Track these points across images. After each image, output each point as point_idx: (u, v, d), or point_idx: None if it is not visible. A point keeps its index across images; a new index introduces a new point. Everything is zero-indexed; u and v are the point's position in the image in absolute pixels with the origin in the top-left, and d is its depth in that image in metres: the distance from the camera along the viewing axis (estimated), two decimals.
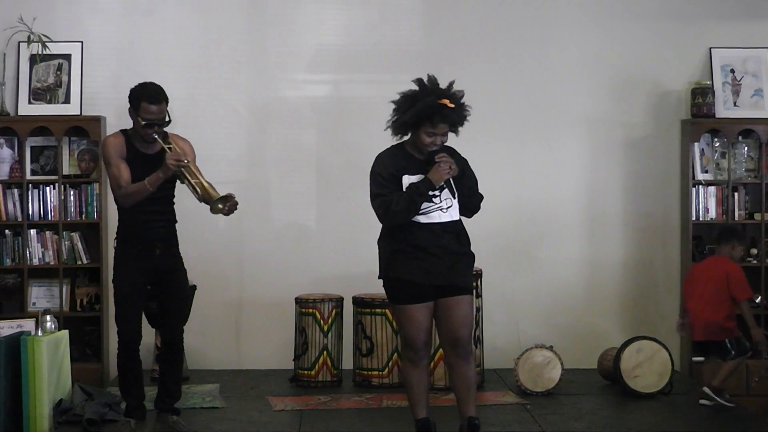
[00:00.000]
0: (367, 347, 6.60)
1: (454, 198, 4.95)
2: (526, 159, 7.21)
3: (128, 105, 5.33)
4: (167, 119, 5.32)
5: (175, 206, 5.51)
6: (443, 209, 4.93)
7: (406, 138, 5.02)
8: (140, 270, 5.35)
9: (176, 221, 5.50)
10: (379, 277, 5.07)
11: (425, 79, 4.95)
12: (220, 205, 5.25)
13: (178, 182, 5.42)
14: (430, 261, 4.90)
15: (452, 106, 4.85)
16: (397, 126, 4.95)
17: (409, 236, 4.91)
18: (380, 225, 7.07)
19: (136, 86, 5.34)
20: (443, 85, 4.93)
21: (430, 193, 4.87)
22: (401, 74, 7.16)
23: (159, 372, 5.62)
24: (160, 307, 5.51)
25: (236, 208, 5.29)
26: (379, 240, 5.10)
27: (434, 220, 4.91)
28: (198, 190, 5.28)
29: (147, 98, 5.26)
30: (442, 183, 4.89)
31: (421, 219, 4.90)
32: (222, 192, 5.29)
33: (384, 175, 4.95)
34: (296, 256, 7.16)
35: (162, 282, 5.41)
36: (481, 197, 5.09)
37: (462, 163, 4.99)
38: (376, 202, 4.97)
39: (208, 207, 6.97)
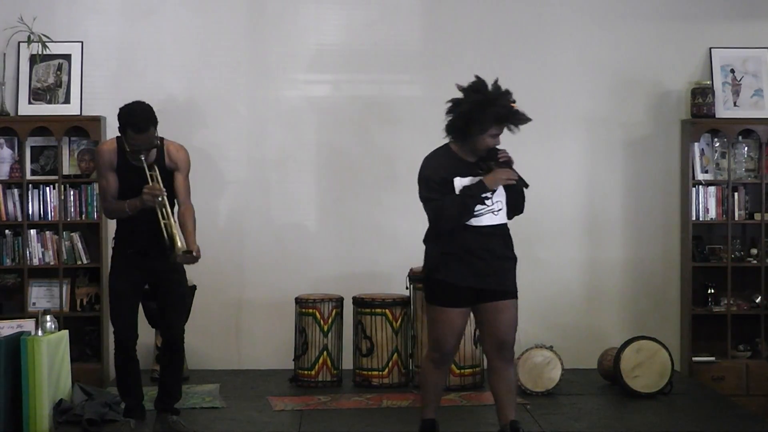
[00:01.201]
0: (367, 347, 6.60)
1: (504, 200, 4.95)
2: (526, 159, 7.09)
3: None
4: (156, 142, 5.28)
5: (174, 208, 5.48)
6: (494, 212, 4.91)
7: (449, 140, 5.00)
8: (134, 270, 5.35)
9: (174, 222, 5.47)
10: (422, 277, 5.01)
11: (481, 83, 4.92)
12: (179, 256, 5.20)
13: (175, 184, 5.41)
14: (478, 264, 4.87)
15: (515, 107, 4.90)
16: (472, 133, 4.87)
17: (458, 239, 4.87)
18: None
19: (123, 109, 5.22)
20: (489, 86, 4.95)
21: (483, 195, 4.85)
22: (401, 74, 7.25)
23: (159, 372, 5.61)
24: (158, 308, 5.51)
25: (187, 263, 5.29)
26: (425, 240, 5.03)
27: (485, 223, 4.89)
28: (165, 231, 5.22)
29: (133, 128, 5.16)
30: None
31: (473, 221, 4.87)
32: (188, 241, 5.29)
33: (435, 179, 4.88)
34: (296, 256, 7.16)
35: (158, 282, 5.40)
36: (523, 198, 5.07)
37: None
38: (428, 207, 4.90)
39: (207, 206, 7.02)
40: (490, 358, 5.04)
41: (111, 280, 5.43)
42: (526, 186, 5.00)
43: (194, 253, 5.23)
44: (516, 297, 5.02)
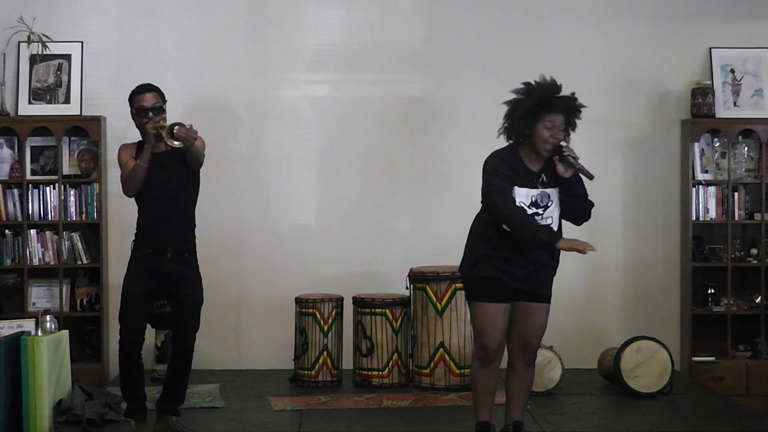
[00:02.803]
0: (367, 347, 6.60)
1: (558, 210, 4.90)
2: None
3: (129, 108, 5.41)
4: (162, 107, 5.36)
5: (194, 211, 5.48)
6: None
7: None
8: (148, 273, 5.33)
9: (194, 226, 5.46)
10: (460, 273, 5.01)
11: (526, 83, 4.89)
12: (169, 134, 5.16)
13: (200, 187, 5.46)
14: (514, 269, 4.84)
15: (568, 96, 4.83)
16: (518, 119, 4.82)
17: (502, 242, 4.84)
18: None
19: None
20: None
21: (534, 210, 4.83)
22: (401, 74, 7.25)
23: (166, 375, 5.58)
24: (172, 314, 5.51)
25: (191, 137, 5.18)
26: (471, 235, 5.00)
27: None
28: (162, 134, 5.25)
29: (136, 91, 5.40)
30: (549, 201, 4.84)
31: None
32: None
33: (503, 171, 4.80)
34: (296, 256, 7.16)
35: (173, 288, 5.38)
36: (591, 204, 5.01)
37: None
38: (492, 197, 4.82)
39: (208, 207, 7.01)
40: (513, 357, 5.02)
41: (125, 284, 5.41)
42: (591, 177, 4.90)
43: (187, 125, 5.17)
44: (549, 302, 5.01)
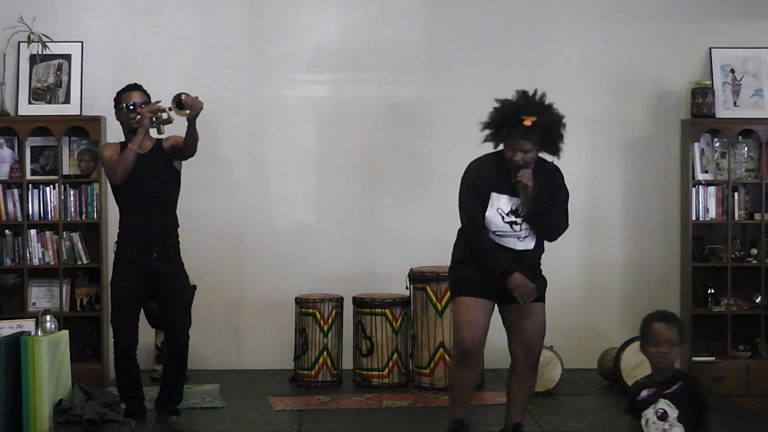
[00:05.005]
0: (367, 347, 6.60)
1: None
2: None
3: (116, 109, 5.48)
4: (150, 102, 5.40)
5: (176, 210, 5.48)
6: (519, 238, 4.84)
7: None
8: (135, 274, 5.32)
9: (177, 226, 5.46)
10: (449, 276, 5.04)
11: (519, 94, 4.88)
12: (174, 107, 5.23)
13: (181, 187, 5.46)
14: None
15: (529, 124, 4.74)
16: (487, 137, 4.90)
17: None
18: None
19: None
20: (537, 99, 4.88)
21: (512, 219, 4.80)
22: (401, 74, 7.26)
23: (162, 374, 5.59)
24: (161, 313, 5.51)
25: (199, 104, 5.26)
26: (457, 241, 5.03)
27: (507, 246, 4.82)
28: (163, 117, 5.33)
29: (124, 90, 5.44)
30: (523, 211, 4.79)
31: (494, 238, 4.82)
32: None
33: (475, 182, 4.82)
34: (296, 256, 7.16)
35: (160, 288, 5.38)
36: (558, 227, 4.92)
37: (549, 188, 4.85)
38: (463, 212, 4.88)
39: (207, 207, 7.03)
40: (516, 361, 4.99)
41: (113, 287, 5.42)
42: (525, 210, 4.80)
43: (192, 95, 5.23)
44: (542, 300, 4.98)
